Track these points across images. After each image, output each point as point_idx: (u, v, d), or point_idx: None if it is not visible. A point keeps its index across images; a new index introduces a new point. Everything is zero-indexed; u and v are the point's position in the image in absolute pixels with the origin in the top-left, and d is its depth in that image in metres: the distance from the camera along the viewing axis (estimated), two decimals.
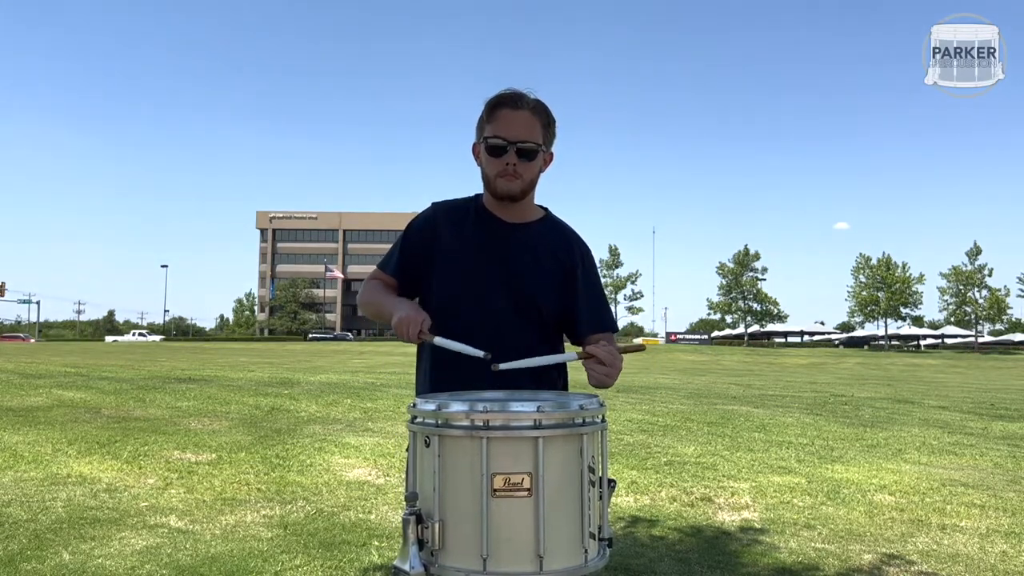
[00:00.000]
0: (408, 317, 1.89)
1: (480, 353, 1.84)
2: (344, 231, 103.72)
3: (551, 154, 2.08)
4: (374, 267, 2.21)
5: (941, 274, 72.60)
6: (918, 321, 79.41)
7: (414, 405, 1.65)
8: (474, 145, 2.08)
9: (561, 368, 2.13)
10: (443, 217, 2.11)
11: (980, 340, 73.52)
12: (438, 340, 1.88)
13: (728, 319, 79.59)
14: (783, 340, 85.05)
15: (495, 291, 2.03)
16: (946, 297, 71.50)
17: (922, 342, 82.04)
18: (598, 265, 2.22)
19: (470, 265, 2.05)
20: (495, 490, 1.50)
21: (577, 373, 1.95)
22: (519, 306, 2.04)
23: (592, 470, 1.58)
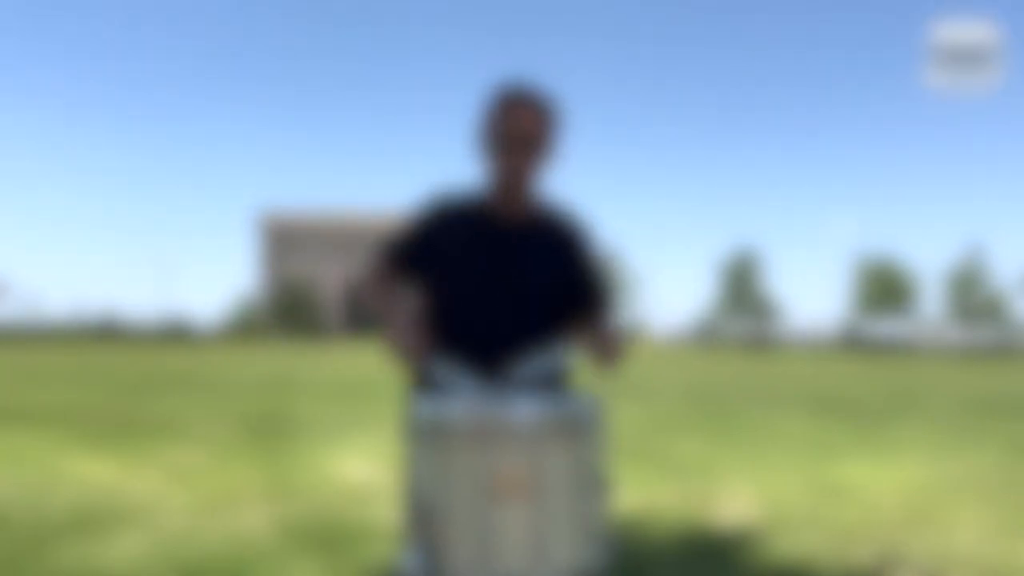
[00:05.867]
0: (405, 343, 1.90)
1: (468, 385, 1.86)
2: (347, 229, 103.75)
3: (557, 152, 2.08)
4: (376, 257, 2.18)
5: (943, 273, 72.71)
6: (918, 320, 79.46)
7: (414, 405, 1.64)
8: (478, 139, 2.07)
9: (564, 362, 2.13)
10: (445, 215, 2.10)
11: (981, 339, 73.53)
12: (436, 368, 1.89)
13: (727, 317, 79.66)
14: (783, 338, 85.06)
15: (497, 292, 2.03)
16: (948, 296, 71.59)
17: (923, 341, 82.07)
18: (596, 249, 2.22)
19: (471, 266, 2.04)
20: (495, 490, 1.50)
21: (580, 375, 1.95)
22: (521, 306, 2.04)
23: (592, 470, 1.58)
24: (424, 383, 2.02)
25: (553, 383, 2.07)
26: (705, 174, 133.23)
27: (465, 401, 1.59)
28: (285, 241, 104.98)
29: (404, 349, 1.86)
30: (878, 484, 6.09)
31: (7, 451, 6.56)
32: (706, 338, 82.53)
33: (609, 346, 1.87)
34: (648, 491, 5.61)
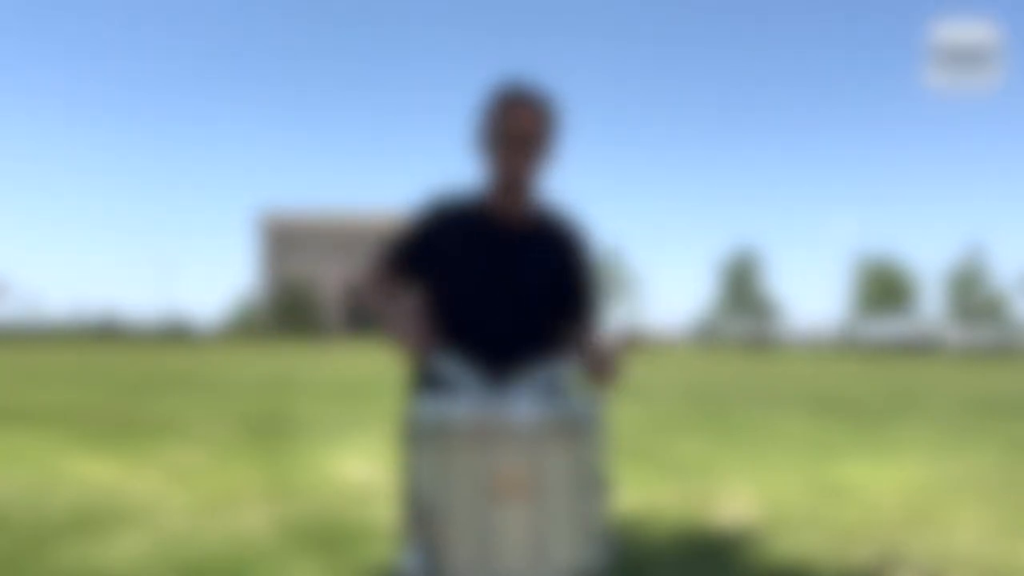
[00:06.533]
0: (408, 336, 1.89)
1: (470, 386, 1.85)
2: (347, 229, 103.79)
3: (555, 152, 2.07)
4: (375, 260, 2.18)
5: (943, 273, 72.79)
6: (918, 320, 79.53)
7: (414, 404, 1.64)
8: (477, 139, 2.07)
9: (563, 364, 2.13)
10: (444, 217, 2.09)
11: (981, 339, 73.58)
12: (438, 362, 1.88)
13: (727, 317, 79.71)
14: (782, 338, 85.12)
15: (496, 292, 2.03)
16: (948, 296, 71.67)
17: (923, 341, 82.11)
18: (595, 255, 2.21)
19: (470, 269, 2.04)
20: (495, 490, 1.50)
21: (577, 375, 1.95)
22: (520, 306, 2.03)
23: (592, 470, 1.58)
24: (426, 377, 2.01)
25: (553, 395, 2.07)
26: (705, 174, 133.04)
27: (465, 401, 1.59)
28: (285, 241, 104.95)
29: (407, 342, 1.85)
30: (878, 484, 6.09)
31: (7, 451, 6.56)
32: (706, 338, 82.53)
33: (604, 364, 1.86)
34: (648, 491, 5.61)
